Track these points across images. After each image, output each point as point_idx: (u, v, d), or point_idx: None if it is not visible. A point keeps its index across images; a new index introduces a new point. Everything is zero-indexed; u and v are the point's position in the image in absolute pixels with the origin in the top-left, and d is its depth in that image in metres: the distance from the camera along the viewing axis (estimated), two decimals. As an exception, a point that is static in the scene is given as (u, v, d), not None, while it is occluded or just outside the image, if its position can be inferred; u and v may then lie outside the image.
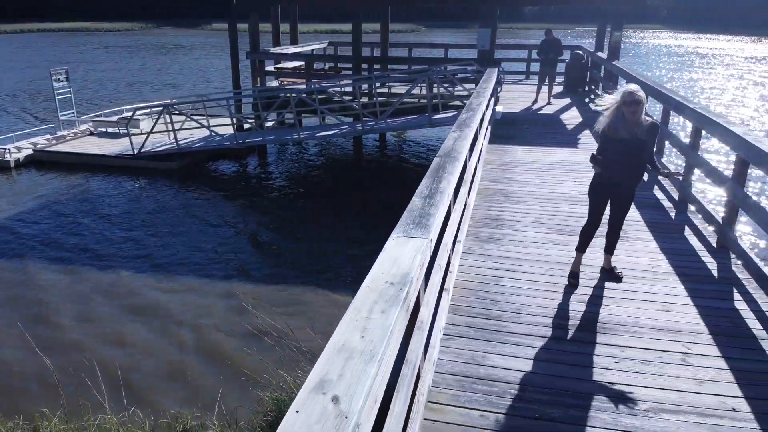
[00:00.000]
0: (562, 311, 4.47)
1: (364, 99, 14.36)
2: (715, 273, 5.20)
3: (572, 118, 12.57)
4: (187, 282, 8.68)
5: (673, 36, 74.85)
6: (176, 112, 13.54)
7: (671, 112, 8.09)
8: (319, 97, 13.45)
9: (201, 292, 8.39)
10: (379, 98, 13.83)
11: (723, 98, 24.80)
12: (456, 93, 13.66)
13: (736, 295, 4.75)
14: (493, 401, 3.40)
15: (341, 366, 1.75)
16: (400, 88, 15.48)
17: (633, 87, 4.47)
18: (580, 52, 16.59)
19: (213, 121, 13.95)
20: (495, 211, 6.62)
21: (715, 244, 5.78)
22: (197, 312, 7.83)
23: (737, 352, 3.94)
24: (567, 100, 14.75)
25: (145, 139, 13.72)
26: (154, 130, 13.56)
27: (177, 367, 6.68)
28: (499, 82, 12.31)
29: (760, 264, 4.93)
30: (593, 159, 4.63)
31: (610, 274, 5.05)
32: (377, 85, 14.08)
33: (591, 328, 4.24)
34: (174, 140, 13.60)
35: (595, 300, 4.65)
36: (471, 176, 5.89)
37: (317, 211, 11.61)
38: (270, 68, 15.51)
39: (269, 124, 15.16)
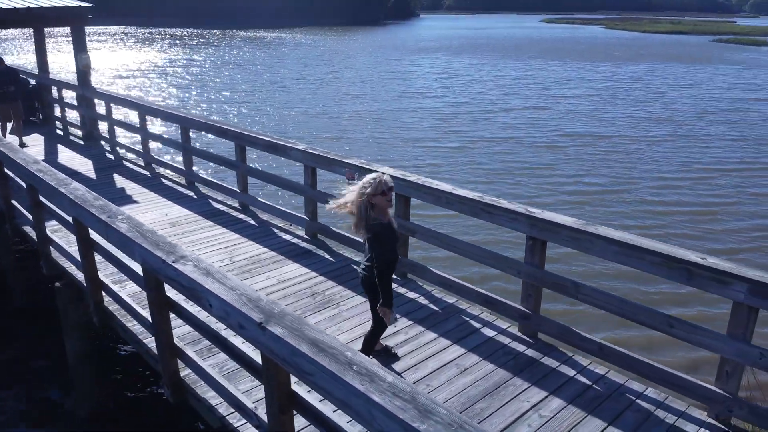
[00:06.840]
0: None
1: None
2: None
3: (78, 161, 10.40)
4: None
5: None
6: None
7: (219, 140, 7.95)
8: None
9: None
10: None
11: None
12: None
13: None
14: None
15: None
16: None
17: (384, 176, 4.08)
18: (22, 76, 13.68)
19: None
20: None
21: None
22: None
23: None
24: (36, 136, 12.14)
25: None
26: None
27: None
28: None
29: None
30: (389, 308, 4.12)
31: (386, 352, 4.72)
32: None
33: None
34: None
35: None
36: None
37: None
38: None
39: None
